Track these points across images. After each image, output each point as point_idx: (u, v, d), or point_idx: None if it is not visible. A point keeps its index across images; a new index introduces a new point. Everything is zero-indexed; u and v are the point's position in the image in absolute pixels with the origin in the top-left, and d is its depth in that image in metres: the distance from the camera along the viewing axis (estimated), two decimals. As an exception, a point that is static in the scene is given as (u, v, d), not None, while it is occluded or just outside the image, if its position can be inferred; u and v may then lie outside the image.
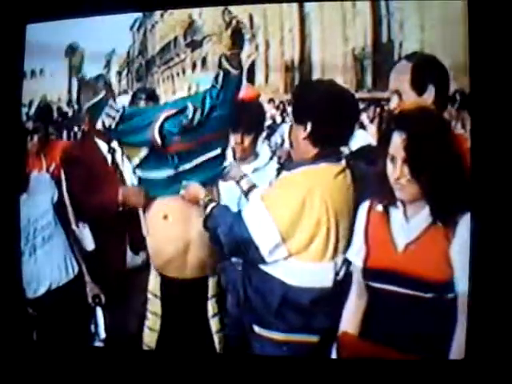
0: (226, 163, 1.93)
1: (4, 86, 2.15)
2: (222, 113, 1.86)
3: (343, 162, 1.71)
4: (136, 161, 1.93)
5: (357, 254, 1.65)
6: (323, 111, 1.64)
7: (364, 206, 1.65)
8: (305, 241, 1.64)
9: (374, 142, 1.89)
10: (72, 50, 2.02)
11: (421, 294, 1.52)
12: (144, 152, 1.90)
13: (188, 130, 1.84)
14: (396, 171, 1.52)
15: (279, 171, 1.88)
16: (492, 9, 1.72)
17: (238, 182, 1.88)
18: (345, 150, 1.79)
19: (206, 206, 1.77)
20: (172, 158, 1.88)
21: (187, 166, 1.89)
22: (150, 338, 2.02)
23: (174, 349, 2.00)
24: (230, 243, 1.69)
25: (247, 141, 1.95)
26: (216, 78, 1.85)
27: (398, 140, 1.52)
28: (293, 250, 1.65)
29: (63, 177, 2.12)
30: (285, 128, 1.89)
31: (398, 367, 1.70)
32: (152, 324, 2.02)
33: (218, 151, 1.91)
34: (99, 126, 1.92)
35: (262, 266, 1.69)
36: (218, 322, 2.00)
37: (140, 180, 1.97)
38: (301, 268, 1.67)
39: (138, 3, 2.08)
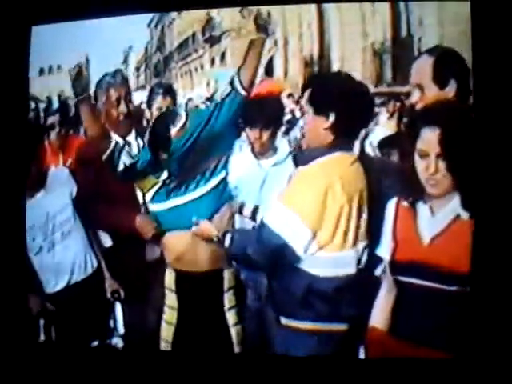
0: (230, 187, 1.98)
1: (11, 87, 2.15)
2: (221, 132, 1.94)
3: (355, 152, 1.75)
4: (150, 194, 2.00)
5: (385, 249, 1.67)
6: (346, 102, 1.66)
7: (392, 202, 1.67)
8: (331, 231, 1.66)
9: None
10: (79, 70, 2.03)
11: (446, 287, 1.54)
12: (159, 184, 1.98)
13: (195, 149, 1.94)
14: (431, 167, 1.54)
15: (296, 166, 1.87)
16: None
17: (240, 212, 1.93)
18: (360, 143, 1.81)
19: (223, 240, 1.80)
20: (180, 186, 1.96)
21: (194, 195, 1.95)
22: (167, 332, 2.04)
23: (190, 342, 2.00)
24: (263, 257, 1.71)
25: (265, 136, 1.95)
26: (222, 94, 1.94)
27: (430, 135, 1.53)
28: (322, 243, 1.67)
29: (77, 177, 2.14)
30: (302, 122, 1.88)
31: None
32: (169, 318, 2.04)
33: (223, 175, 1.97)
34: (121, 167, 2.02)
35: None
36: (234, 315, 2.00)
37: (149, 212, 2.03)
38: (326, 258, 1.68)
39: (148, 5, 2.07)
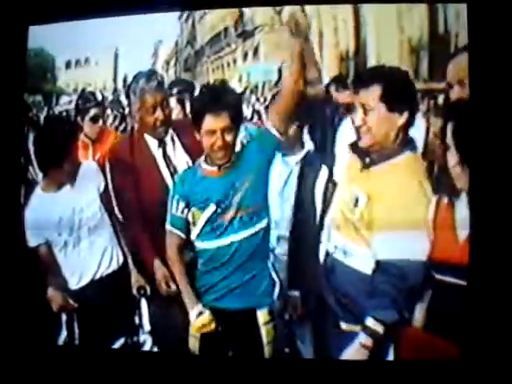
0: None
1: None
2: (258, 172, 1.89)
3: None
4: (196, 230, 1.93)
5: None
6: (415, 98, 1.70)
7: (433, 199, 1.67)
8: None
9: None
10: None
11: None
12: (204, 218, 1.90)
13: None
14: (451, 159, 1.57)
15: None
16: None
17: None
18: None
19: None
20: (226, 227, 1.89)
21: (241, 236, 1.89)
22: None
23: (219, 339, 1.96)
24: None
25: (292, 131, 1.91)
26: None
27: (449, 129, 1.57)
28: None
29: (109, 176, 2.10)
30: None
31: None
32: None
33: (266, 222, 1.92)
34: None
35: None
36: (266, 314, 1.94)
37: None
38: None
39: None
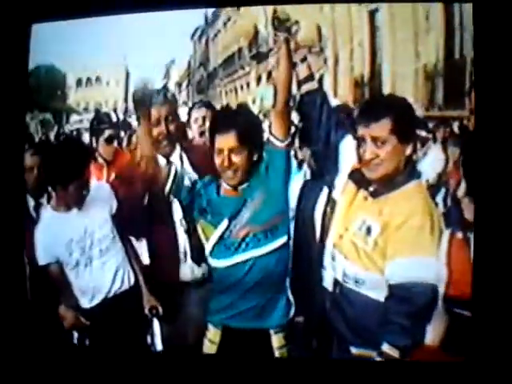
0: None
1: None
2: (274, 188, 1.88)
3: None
4: (209, 246, 1.93)
5: (439, 280, 1.66)
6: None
7: (446, 233, 1.66)
8: None
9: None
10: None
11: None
12: (217, 235, 1.91)
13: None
14: (461, 190, 1.59)
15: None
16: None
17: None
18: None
19: None
20: (239, 244, 1.89)
21: (256, 253, 1.88)
22: (208, 351, 1.99)
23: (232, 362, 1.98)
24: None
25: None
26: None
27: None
28: None
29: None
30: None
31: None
32: (213, 336, 1.99)
33: (285, 239, 1.91)
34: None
35: None
36: (281, 338, 1.94)
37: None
38: None
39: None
